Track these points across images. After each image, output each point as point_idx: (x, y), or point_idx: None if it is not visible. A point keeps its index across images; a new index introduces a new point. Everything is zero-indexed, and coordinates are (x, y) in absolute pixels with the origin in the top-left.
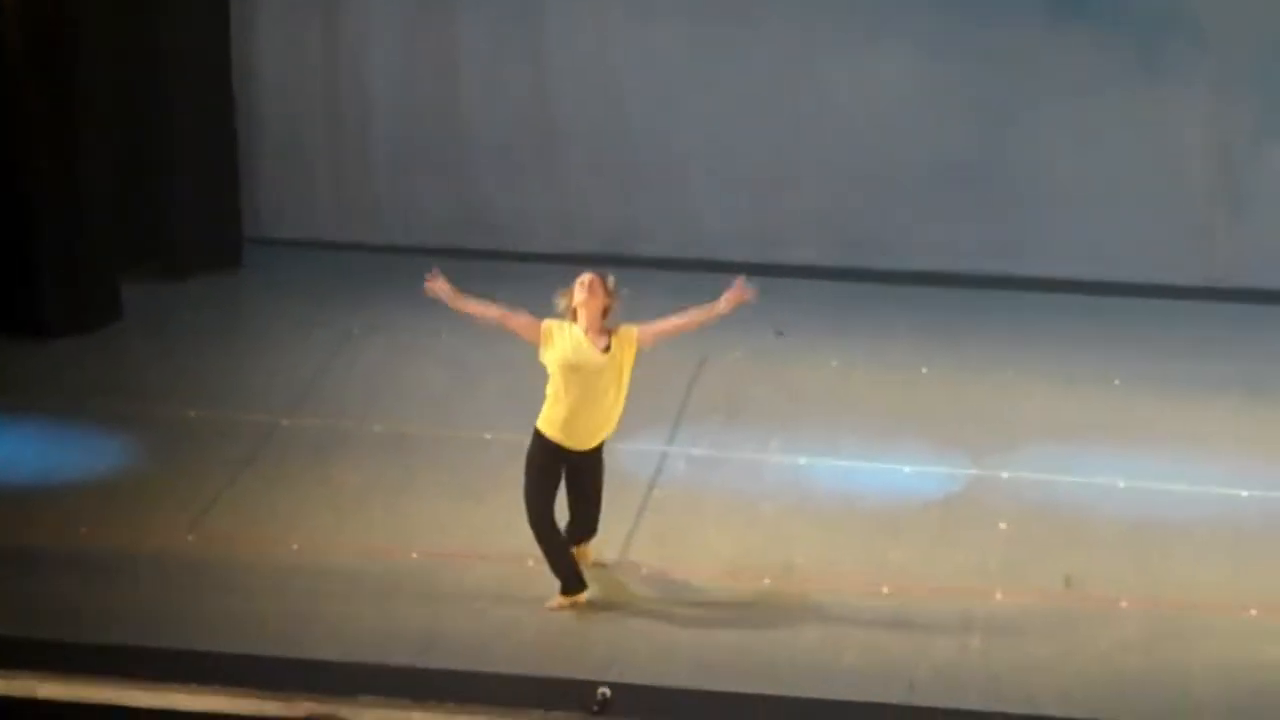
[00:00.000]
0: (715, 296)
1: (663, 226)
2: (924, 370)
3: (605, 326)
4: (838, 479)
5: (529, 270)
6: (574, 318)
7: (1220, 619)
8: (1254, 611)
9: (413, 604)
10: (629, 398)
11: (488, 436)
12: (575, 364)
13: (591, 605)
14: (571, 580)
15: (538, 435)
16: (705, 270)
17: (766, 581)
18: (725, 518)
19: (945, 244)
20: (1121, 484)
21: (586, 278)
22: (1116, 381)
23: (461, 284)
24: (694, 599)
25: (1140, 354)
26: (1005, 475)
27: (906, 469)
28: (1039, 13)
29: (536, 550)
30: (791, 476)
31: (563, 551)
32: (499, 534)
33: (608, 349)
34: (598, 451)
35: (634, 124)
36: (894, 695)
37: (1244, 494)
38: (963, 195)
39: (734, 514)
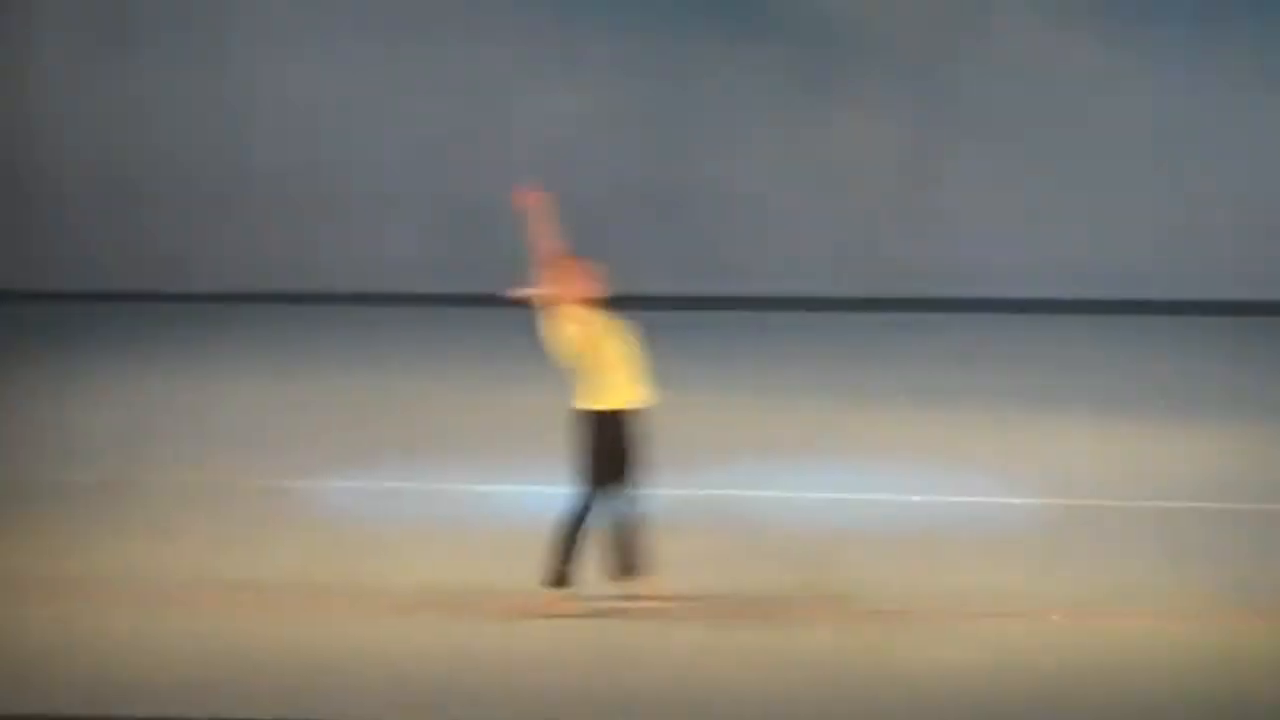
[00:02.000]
0: (399, 326)
1: (348, 262)
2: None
3: None
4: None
5: (211, 311)
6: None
7: (899, 622)
8: (933, 615)
9: (96, 648)
10: None
11: (176, 480)
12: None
13: (286, 643)
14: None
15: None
16: (393, 304)
17: (471, 612)
18: (425, 549)
19: (636, 265)
20: (796, 494)
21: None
22: (794, 393)
23: (139, 328)
24: (398, 632)
25: (815, 365)
26: (685, 492)
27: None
28: (717, 37)
29: (236, 592)
30: (494, 506)
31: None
32: (191, 576)
33: None
34: (639, 415)
35: (318, 162)
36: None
37: (915, 499)
38: (647, 216)
39: (436, 544)
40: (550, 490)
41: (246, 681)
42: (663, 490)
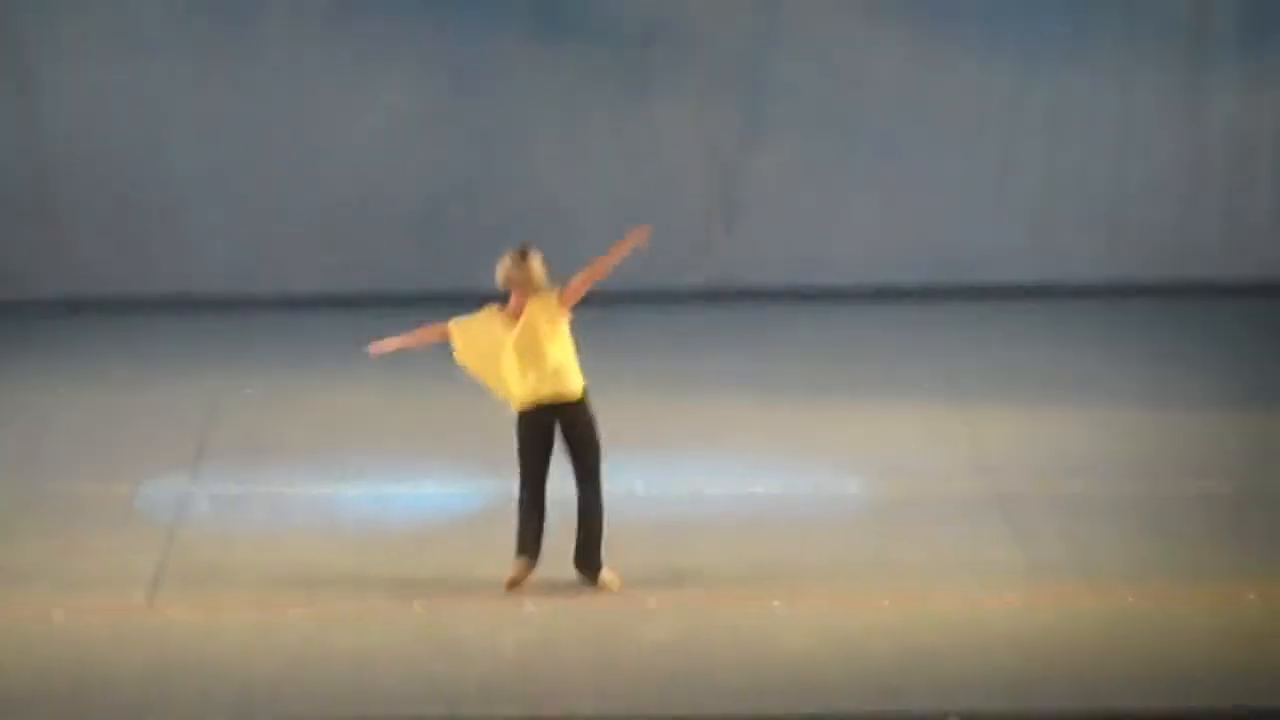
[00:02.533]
0: (219, 332)
1: (165, 264)
2: (443, 393)
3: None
4: (365, 506)
5: (27, 318)
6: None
7: (745, 611)
8: (777, 602)
9: None
10: None
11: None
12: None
13: (124, 652)
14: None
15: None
16: (210, 306)
17: (297, 610)
18: (253, 552)
19: (443, 266)
20: (641, 488)
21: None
22: (631, 388)
23: None
24: (227, 636)
25: (650, 359)
26: None
27: (431, 489)
28: (524, 32)
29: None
30: (319, 506)
31: (530, 517)
32: (23, 585)
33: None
34: (573, 406)
35: (129, 162)
36: (435, 709)
37: (758, 490)
38: (464, 215)
39: (261, 548)
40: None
41: (87, 690)
42: (501, 482)
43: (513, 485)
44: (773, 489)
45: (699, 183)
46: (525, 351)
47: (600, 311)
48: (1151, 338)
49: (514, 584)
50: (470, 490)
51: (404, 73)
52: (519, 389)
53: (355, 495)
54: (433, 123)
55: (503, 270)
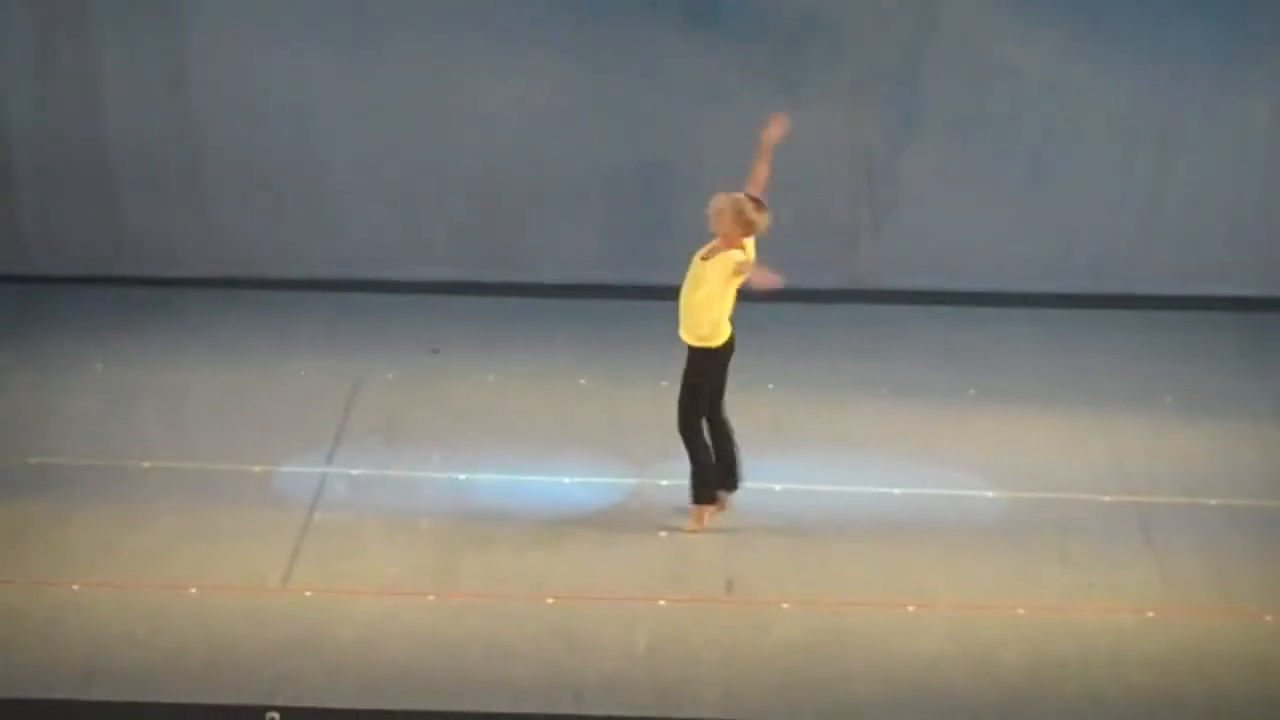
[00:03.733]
0: (369, 317)
1: (311, 247)
2: (582, 382)
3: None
4: (498, 493)
5: (178, 296)
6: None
7: (878, 616)
8: (910, 608)
9: (74, 636)
10: None
11: (145, 465)
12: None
13: (259, 632)
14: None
15: None
16: (357, 290)
17: (430, 598)
18: (387, 536)
19: (596, 255)
20: (778, 487)
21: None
22: (770, 386)
23: (105, 313)
24: (359, 619)
25: (791, 358)
26: (665, 483)
27: (567, 480)
28: (674, 22)
29: (203, 578)
30: (452, 492)
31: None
32: (159, 562)
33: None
34: (690, 351)
35: (278, 144)
36: (563, 706)
37: (896, 492)
38: (610, 205)
39: (396, 532)
40: (525, 479)
41: (219, 666)
42: (639, 480)
43: (649, 482)
44: (909, 492)
45: (847, 181)
46: (684, 287)
47: (740, 308)
48: None
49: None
50: (606, 483)
51: (548, 61)
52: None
53: (490, 483)
54: (577, 112)
55: (712, 208)
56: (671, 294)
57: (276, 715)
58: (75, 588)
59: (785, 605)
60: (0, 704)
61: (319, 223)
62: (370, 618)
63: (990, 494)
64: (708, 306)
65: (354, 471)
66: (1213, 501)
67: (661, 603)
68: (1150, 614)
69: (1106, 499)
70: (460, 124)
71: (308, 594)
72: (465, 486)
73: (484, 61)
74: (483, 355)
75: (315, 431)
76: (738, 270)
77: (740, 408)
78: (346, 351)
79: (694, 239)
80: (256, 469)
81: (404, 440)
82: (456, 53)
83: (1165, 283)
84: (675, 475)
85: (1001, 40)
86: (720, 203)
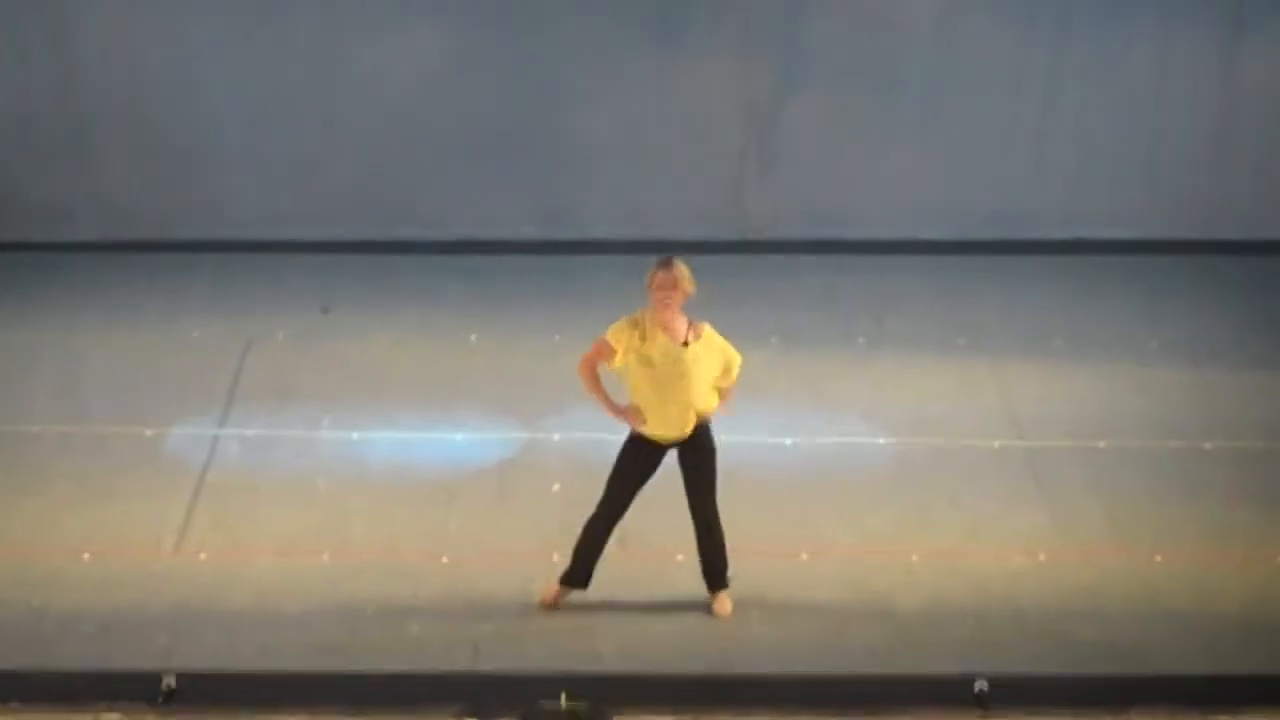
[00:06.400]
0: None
1: (199, 211)
2: (472, 338)
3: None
4: (393, 451)
5: (67, 260)
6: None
7: (772, 564)
8: (804, 555)
9: None
10: None
11: (35, 429)
12: (649, 358)
13: (154, 595)
14: (578, 573)
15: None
16: (243, 250)
17: (325, 557)
18: (282, 497)
19: (486, 212)
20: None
21: (665, 274)
22: None
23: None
24: (255, 580)
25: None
26: (557, 437)
27: (459, 437)
28: None
29: (98, 543)
30: (346, 451)
31: (593, 546)
32: (53, 527)
33: (686, 344)
34: (691, 441)
35: (166, 109)
36: (459, 662)
37: (788, 441)
38: (499, 162)
39: (290, 492)
40: (418, 436)
41: (115, 632)
42: (530, 434)
43: (542, 437)
44: (801, 441)
45: (733, 133)
46: (674, 383)
47: (631, 260)
48: (1184, 296)
49: (551, 605)
50: (499, 439)
51: (436, 17)
52: (651, 416)
53: (384, 441)
54: (465, 68)
55: (657, 278)
56: (558, 248)
57: (173, 680)
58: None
59: (680, 557)
60: None
61: (208, 184)
62: (266, 579)
63: (882, 440)
64: (711, 401)
65: (247, 432)
66: (1102, 444)
67: (555, 557)
68: (1042, 556)
69: (997, 444)
70: (348, 83)
71: (202, 556)
72: (358, 445)
73: (372, 20)
74: (373, 314)
75: (207, 393)
76: (731, 375)
77: None
78: (237, 313)
79: (579, 194)
80: (149, 432)
81: (296, 400)
82: (345, 12)
83: (1054, 227)
84: (566, 429)
85: None
86: (683, 272)
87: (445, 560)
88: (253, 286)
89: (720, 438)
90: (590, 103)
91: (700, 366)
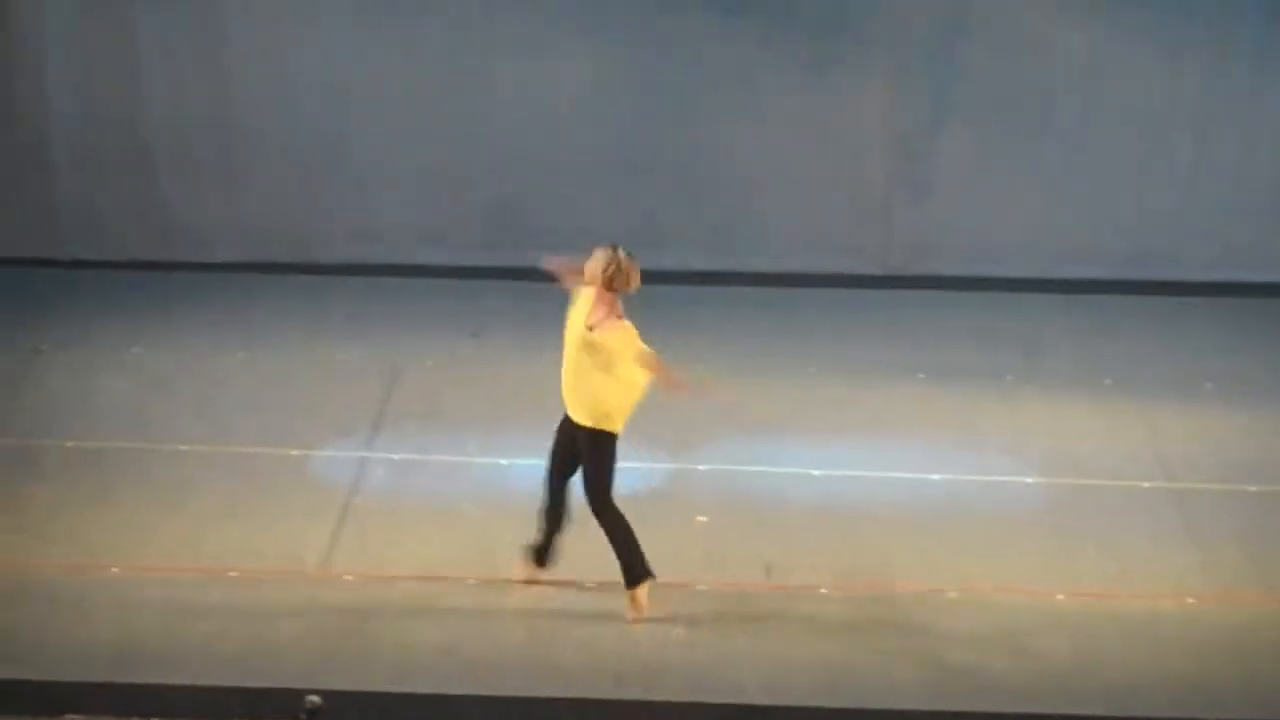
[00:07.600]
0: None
1: (344, 232)
2: None
3: (615, 311)
4: (538, 478)
5: (211, 280)
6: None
7: (917, 599)
8: (951, 594)
9: (111, 618)
10: None
11: (182, 448)
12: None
13: (298, 614)
14: (539, 553)
15: None
16: (389, 274)
17: (471, 582)
18: (428, 521)
19: (628, 238)
20: (815, 472)
21: (606, 260)
22: (811, 370)
23: (143, 298)
24: (399, 603)
25: (827, 343)
26: (702, 468)
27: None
28: (711, 7)
29: (242, 562)
30: (493, 477)
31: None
32: (197, 545)
33: (590, 328)
34: (586, 433)
35: (312, 129)
36: (601, 690)
37: (934, 477)
38: (643, 188)
39: (437, 517)
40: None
41: (258, 650)
42: (676, 465)
43: (688, 468)
44: (947, 478)
45: (883, 166)
46: (584, 365)
47: (777, 292)
48: None
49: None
50: (645, 469)
51: (579, 44)
52: (565, 386)
53: (532, 468)
54: (611, 95)
55: (598, 266)
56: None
57: (316, 698)
58: (114, 570)
59: (823, 590)
60: (36, 685)
61: (354, 206)
62: (410, 602)
63: (1029, 480)
64: (620, 398)
65: (394, 456)
66: (1252, 488)
67: (699, 587)
68: (1190, 600)
69: (1146, 485)
70: (493, 106)
71: (347, 578)
72: (506, 471)
73: (521, 41)
74: (523, 340)
75: (355, 416)
76: (646, 364)
77: (778, 393)
78: (382, 336)
79: (722, 220)
80: (295, 453)
81: (444, 425)
82: (493, 34)
83: (1204, 269)
84: (713, 460)
85: (1039, 20)
86: (627, 262)
87: (590, 585)
88: (398, 309)
89: (866, 473)
90: (737, 131)
91: (597, 357)
